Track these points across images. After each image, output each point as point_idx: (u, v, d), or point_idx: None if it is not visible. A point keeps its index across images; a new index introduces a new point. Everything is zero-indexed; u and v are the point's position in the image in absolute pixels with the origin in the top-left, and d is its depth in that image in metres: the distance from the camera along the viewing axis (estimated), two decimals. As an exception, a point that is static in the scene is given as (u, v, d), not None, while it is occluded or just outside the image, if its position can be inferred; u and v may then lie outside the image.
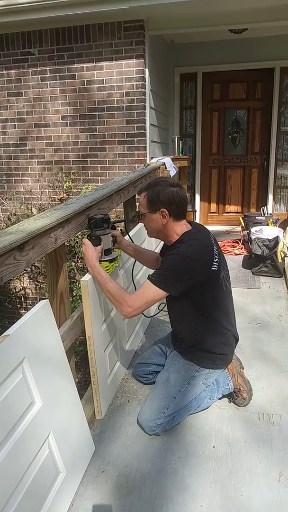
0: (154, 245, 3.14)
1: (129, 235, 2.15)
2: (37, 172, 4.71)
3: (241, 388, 1.94)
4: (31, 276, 4.67)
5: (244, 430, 1.82)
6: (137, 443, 1.77)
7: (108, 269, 1.87)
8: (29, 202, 4.76)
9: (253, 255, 3.79)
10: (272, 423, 1.85)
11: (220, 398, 2.00)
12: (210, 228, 5.66)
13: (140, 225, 2.61)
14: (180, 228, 1.77)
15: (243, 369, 2.08)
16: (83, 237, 3.88)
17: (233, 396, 1.97)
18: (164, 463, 1.65)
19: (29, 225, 1.49)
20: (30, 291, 4.84)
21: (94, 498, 1.51)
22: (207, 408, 1.94)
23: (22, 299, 4.88)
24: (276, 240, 3.74)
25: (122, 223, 2.27)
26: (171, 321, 1.97)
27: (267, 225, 4.56)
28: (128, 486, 1.55)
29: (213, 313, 1.81)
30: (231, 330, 1.89)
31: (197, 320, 1.80)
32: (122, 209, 3.20)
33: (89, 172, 4.54)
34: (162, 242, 1.98)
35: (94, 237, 1.85)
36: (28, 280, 4.75)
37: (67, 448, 1.49)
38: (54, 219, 1.59)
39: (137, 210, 1.93)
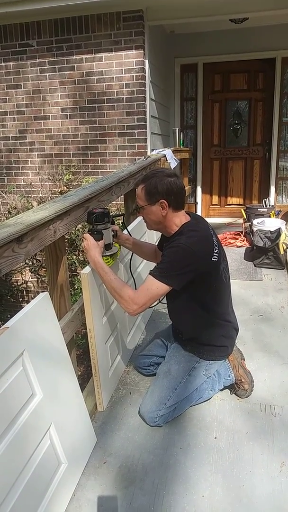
0: (155, 238, 3.13)
1: (127, 229, 2.13)
2: (37, 165, 4.69)
3: (243, 380, 1.94)
4: (33, 269, 4.67)
5: (245, 421, 1.82)
6: (138, 434, 1.77)
7: (108, 264, 1.85)
8: (30, 195, 4.75)
9: (255, 247, 3.78)
10: (273, 414, 1.85)
11: (221, 390, 2.00)
12: (212, 220, 5.64)
13: (140, 218, 2.60)
14: (179, 219, 1.75)
15: (244, 360, 2.07)
16: (84, 230, 3.88)
17: (234, 388, 1.97)
18: (166, 454, 1.65)
19: (27, 218, 1.48)
20: (31, 285, 4.85)
21: (96, 489, 1.52)
22: (209, 399, 1.94)
23: (24, 292, 4.89)
24: (278, 232, 3.72)
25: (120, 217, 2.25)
26: (170, 314, 1.96)
27: (269, 217, 4.54)
28: (130, 477, 1.56)
29: (213, 305, 1.80)
30: (231, 322, 1.89)
31: (197, 313, 1.80)
32: (123, 202, 3.19)
33: (89, 164, 4.52)
34: (161, 234, 1.97)
35: (95, 232, 1.82)
36: (29, 274, 4.76)
37: (68, 440, 1.49)
38: (53, 211, 1.58)
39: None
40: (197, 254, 1.65)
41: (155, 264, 1.73)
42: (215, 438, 1.73)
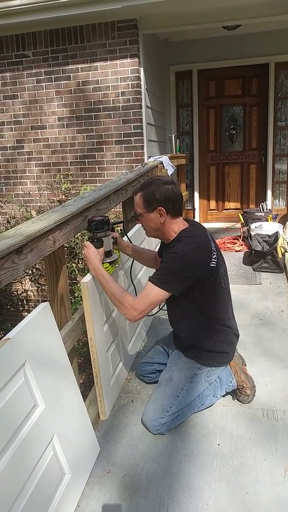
0: (154, 244, 3.14)
1: (127, 236, 2.15)
2: (35, 174, 4.71)
3: (244, 385, 1.94)
4: (32, 278, 4.68)
5: (248, 427, 1.82)
6: (142, 443, 1.77)
7: (108, 271, 1.87)
8: (28, 204, 4.77)
9: (253, 252, 3.79)
10: (276, 419, 1.85)
11: (223, 396, 1.99)
12: (210, 225, 5.65)
13: (138, 225, 2.62)
14: (177, 226, 1.76)
15: (245, 365, 2.08)
16: (83, 238, 3.89)
17: (236, 393, 1.97)
18: (169, 462, 1.65)
19: (26, 228, 1.49)
20: (32, 293, 4.84)
21: (100, 498, 1.51)
22: (211, 406, 1.94)
23: (24, 301, 4.88)
24: (276, 236, 3.73)
25: (120, 224, 2.26)
26: (170, 321, 1.97)
27: (267, 220, 4.56)
28: (134, 486, 1.56)
29: (212, 310, 1.81)
30: (231, 327, 1.89)
31: (197, 319, 1.80)
32: (121, 209, 3.20)
33: (87, 173, 4.54)
34: (160, 241, 1.98)
35: (96, 239, 1.84)
36: (29, 283, 4.76)
37: (71, 450, 1.49)
38: (52, 221, 1.59)
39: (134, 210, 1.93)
40: (195, 260, 1.66)
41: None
42: (218, 444, 1.73)
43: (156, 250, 2.14)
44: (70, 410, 1.54)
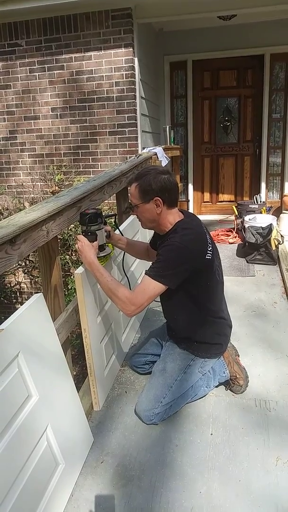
0: (148, 237, 3.13)
1: (119, 229, 2.13)
2: (28, 166, 4.67)
3: (237, 376, 1.96)
4: (26, 270, 4.66)
5: (241, 417, 1.83)
6: (135, 433, 1.78)
7: (102, 265, 1.85)
8: (21, 196, 4.72)
9: (247, 244, 3.80)
10: (268, 409, 1.86)
11: (216, 386, 2.01)
12: (204, 217, 5.65)
13: (132, 217, 2.60)
14: (173, 217, 1.75)
15: (238, 356, 2.09)
16: (77, 230, 3.87)
17: (229, 384, 1.99)
18: (163, 452, 1.66)
19: (20, 219, 1.47)
20: (25, 285, 4.83)
21: (94, 488, 1.52)
22: (204, 396, 1.96)
23: (18, 293, 4.87)
24: (269, 228, 3.74)
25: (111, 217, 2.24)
26: (164, 312, 1.97)
27: (261, 213, 4.56)
28: (127, 476, 1.57)
29: (207, 302, 1.81)
30: (225, 319, 1.90)
31: (191, 311, 1.80)
32: (115, 201, 3.19)
33: (80, 164, 4.50)
34: (153, 232, 1.97)
35: (89, 233, 1.80)
36: (22, 275, 4.74)
37: (65, 440, 1.49)
38: (45, 212, 1.58)
39: (129, 201, 1.91)
40: (192, 252, 1.65)
41: (148, 262, 1.73)
42: (211, 434, 1.74)
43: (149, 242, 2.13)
44: (64, 401, 1.54)
